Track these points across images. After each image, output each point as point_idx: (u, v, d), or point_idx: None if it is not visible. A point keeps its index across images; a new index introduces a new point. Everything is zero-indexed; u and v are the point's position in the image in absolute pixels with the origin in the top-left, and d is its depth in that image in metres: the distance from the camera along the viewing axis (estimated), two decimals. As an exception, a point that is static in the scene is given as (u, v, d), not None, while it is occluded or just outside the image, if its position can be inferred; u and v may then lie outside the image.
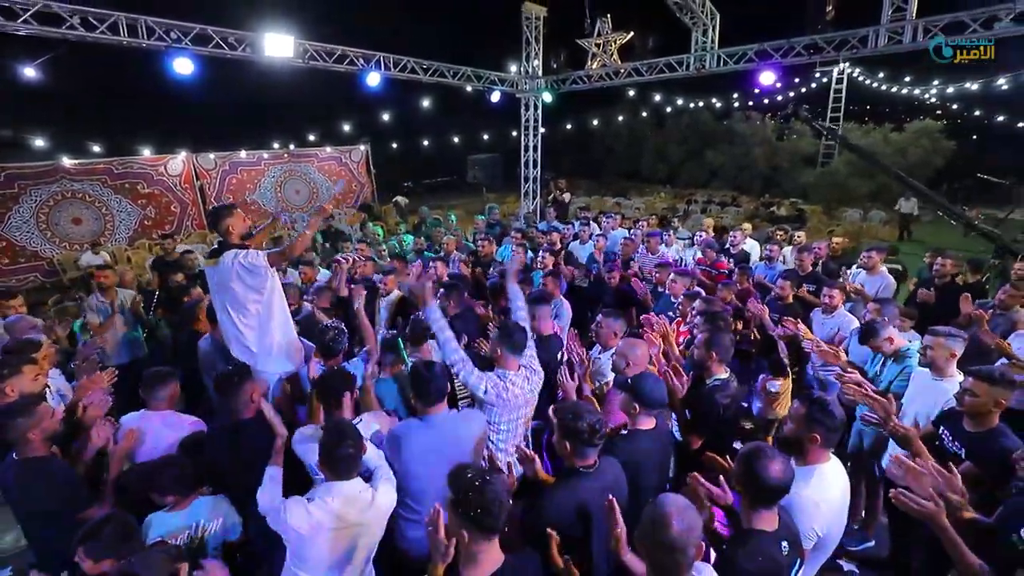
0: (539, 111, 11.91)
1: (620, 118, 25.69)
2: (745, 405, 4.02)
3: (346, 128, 16.40)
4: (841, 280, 5.21)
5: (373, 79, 8.72)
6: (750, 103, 23.31)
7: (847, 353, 3.77)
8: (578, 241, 7.20)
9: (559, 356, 3.58)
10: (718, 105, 23.71)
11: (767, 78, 8.21)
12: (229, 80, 11.99)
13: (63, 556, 2.03)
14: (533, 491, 2.17)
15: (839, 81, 19.07)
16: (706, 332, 3.06)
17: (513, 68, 11.66)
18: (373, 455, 2.27)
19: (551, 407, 2.22)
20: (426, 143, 20.36)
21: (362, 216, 14.85)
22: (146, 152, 13.13)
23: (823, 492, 2.00)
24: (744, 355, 4.91)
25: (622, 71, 10.48)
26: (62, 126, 12.89)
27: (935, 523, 1.75)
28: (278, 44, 7.31)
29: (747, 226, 7.98)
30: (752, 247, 6.99)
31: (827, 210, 16.56)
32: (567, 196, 11.25)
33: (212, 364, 3.47)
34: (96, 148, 13.10)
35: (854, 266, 5.62)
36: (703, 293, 4.73)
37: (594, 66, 10.94)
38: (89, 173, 12.13)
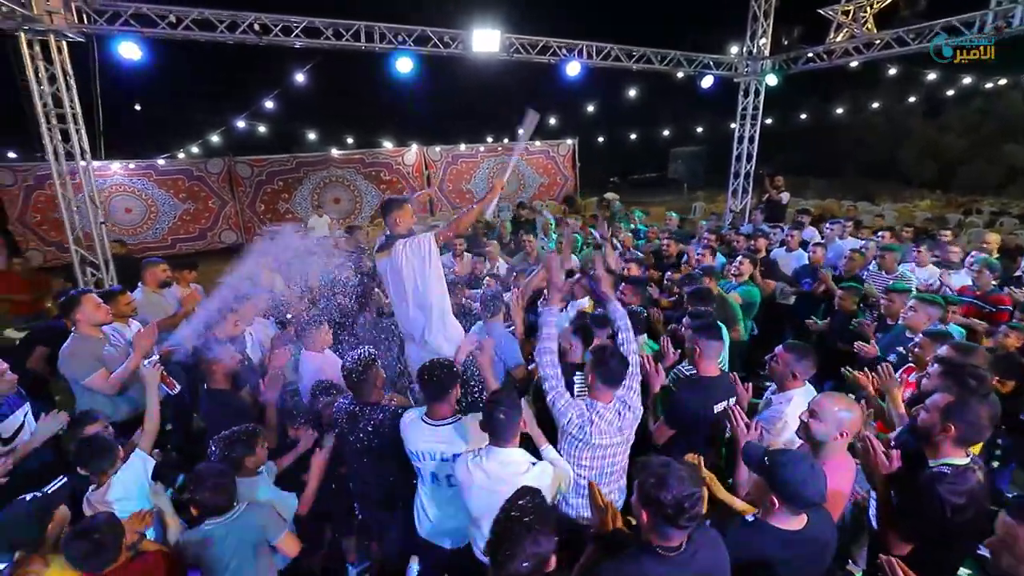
0: (760, 97, 10.37)
1: (874, 104, 20.97)
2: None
3: (552, 122, 16.83)
4: None
5: (573, 68, 8.60)
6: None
7: None
8: (784, 248, 6.03)
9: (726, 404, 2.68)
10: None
11: None
12: (453, 79, 13.36)
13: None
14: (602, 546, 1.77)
15: None
16: (947, 392, 2.11)
17: (733, 49, 10.33)
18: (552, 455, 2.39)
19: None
20: (632, 136, 19.72)
21: (563, 208, 15.24)
22: (388, 145, 15.57)
23: None
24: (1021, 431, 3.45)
25: (877, 42, 8.38)
26: (326, 122, 16.08)
27: None
28: (485, 39, 7.70)
29: (1058, 247, 5.66)
30: (1063, 278, 4.94)
31: None
32: (785, 196, 9.54)
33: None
34: (349, 140, 16.06)
35: None
36: (955, 337, 3.41)
37: (838, 39, 9.00)
38: (348, 162, 15.09)
